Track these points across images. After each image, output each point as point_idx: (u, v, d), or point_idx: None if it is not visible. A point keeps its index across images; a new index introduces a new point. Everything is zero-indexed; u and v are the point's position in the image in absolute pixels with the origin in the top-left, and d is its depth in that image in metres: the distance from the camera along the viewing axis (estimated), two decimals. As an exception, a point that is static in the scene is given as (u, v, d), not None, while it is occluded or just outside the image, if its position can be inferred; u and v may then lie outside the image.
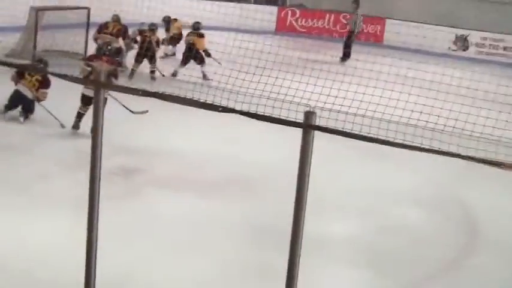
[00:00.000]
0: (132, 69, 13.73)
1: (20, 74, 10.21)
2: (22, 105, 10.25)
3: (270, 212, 7.54)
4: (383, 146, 3.44)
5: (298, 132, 3.41)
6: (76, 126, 9.93)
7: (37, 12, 14.49)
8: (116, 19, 14.22)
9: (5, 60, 10.73)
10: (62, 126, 10.13)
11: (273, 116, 3.51)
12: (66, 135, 9.92)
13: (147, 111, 9.86)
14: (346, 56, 18.69)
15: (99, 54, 10.50)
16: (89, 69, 9.74)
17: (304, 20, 22.99)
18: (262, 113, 3.50)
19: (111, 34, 13.80)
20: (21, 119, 10.19)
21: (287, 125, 3.42)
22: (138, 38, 14.16)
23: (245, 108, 3.82)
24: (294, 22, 23.26)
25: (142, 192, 8.03)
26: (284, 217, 6.96)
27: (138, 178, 8.56)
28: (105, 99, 9.26)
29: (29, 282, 5.46)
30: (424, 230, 7.75)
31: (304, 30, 22.59)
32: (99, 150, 3.57)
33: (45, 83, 10.19)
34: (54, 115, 10.16)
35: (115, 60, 10.23)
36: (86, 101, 9.71)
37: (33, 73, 10.30)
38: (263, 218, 7.41)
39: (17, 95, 10.23)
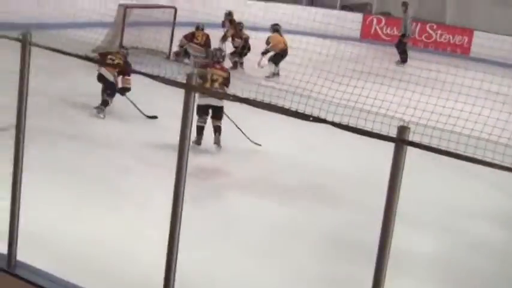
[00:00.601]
0: (235, 62, 15.21)
1: (102, 58, 10.48)
2: (104, 87, 10.43)
3: (346, 223, 7.44)
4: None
5: (381, 145, 3.33)
6: (198, 141, 9.27)
7: (125, 9, 14.73)
8: (201, 28, 14.84)
9: (89, 56, 10.89)
10: (154, 117, 10.47)
11: (365, 128, 3.40)
12: (145, 130, 10.04)
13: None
14: (402, 61, 18.39)
15: (212, 61, 10.14)
16: (200, 81, 9.05)
17: (389, 28, 22.67)
18: (354, 125, 3.40)
19: (200, 44, 14.65)
20: (101, 115, 10.31)
21: (379, 138, 3.31)
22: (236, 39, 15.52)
23: (334, 118, 3.71)
24: (379, 30, 22.97)
25: (221, 194, 8.04)
26: (360, 229, 6.88)
27: (217, 179, 8.58)
28: (221, 107, 9.24)
29: (107, 277, 5.49)
30: (504, 247, 7.52)
31: (388, 38, 22.24)
32: (186, 154, 3.51)
33: (126, 68, 10.27)
34: (139, 108, 10.34)
35: (226, 68, 10.24)
36: (202, 111, 9.28)
37: (115, 58, 10.54)
38: (339, 229, 7.32)
39: (100, 77, 10.42)
